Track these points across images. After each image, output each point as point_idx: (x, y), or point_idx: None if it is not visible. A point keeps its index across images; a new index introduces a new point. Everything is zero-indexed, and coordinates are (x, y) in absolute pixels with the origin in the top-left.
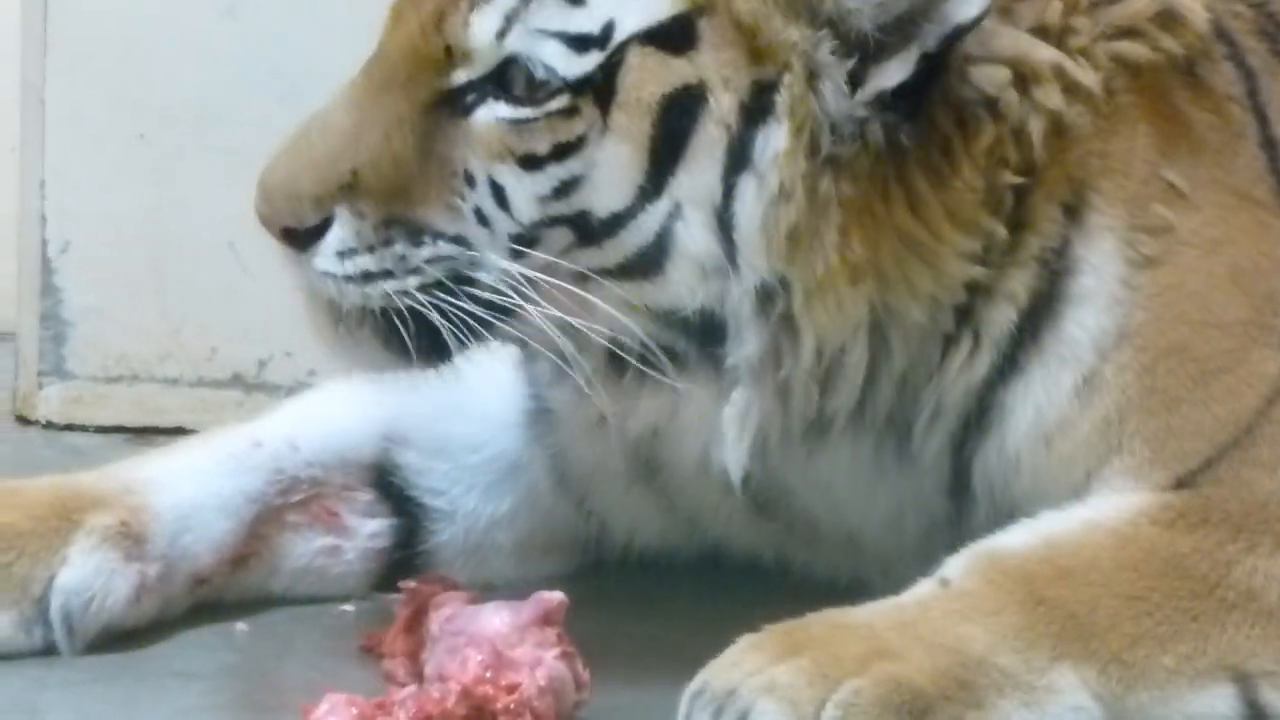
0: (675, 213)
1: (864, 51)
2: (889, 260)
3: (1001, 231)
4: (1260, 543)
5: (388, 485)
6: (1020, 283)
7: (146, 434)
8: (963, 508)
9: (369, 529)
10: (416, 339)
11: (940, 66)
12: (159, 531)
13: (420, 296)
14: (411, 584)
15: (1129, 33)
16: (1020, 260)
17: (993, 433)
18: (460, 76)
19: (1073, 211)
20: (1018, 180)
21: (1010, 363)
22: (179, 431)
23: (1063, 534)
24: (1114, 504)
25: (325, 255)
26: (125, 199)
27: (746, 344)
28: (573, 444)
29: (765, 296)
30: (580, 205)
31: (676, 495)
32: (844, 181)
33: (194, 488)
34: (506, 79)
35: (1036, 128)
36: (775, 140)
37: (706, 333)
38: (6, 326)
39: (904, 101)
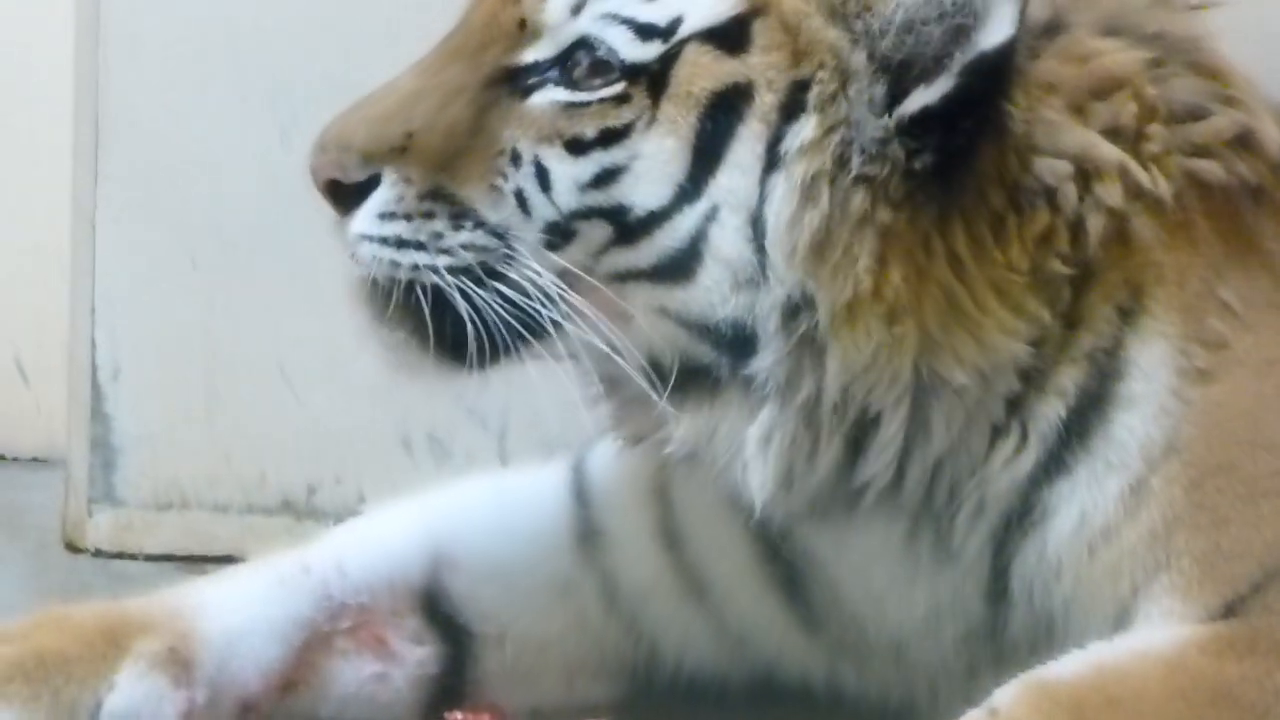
0: (711, 215)
1: (896, 75)
2: (932, 317)
3: (1049, 318)
4: None
5: (436, 611)
6: (1071, 379)
7: (196, 562)
8: (1000, 615)
9: (417, 656)
10: (439, 327)
11: (979, 101)
12: (207, 657)
13: (448, 278)
14: (458, 715)
15: (1205, 151)
16: (1072, 356)
17: (1034, 534)
18: (528, 55)
19: (1128, 315)
20: (1069, 271)
21: (1057, 461)
22: (228, 559)
23: (1112, 662)
24: (1162, 634)
25: (365, 216)
26: (176, 324)
27: (769, 357)
28: (623, 563)
29: (792, 310)
30: (619, 198)
31: (727, 612)
32: (880, 206)
33: (242, 613)
34: (570, 61)
35: (1095, 224)
36: (803, 132)
37: (736, 346)
38: (57, 453)
39: (938, 133)
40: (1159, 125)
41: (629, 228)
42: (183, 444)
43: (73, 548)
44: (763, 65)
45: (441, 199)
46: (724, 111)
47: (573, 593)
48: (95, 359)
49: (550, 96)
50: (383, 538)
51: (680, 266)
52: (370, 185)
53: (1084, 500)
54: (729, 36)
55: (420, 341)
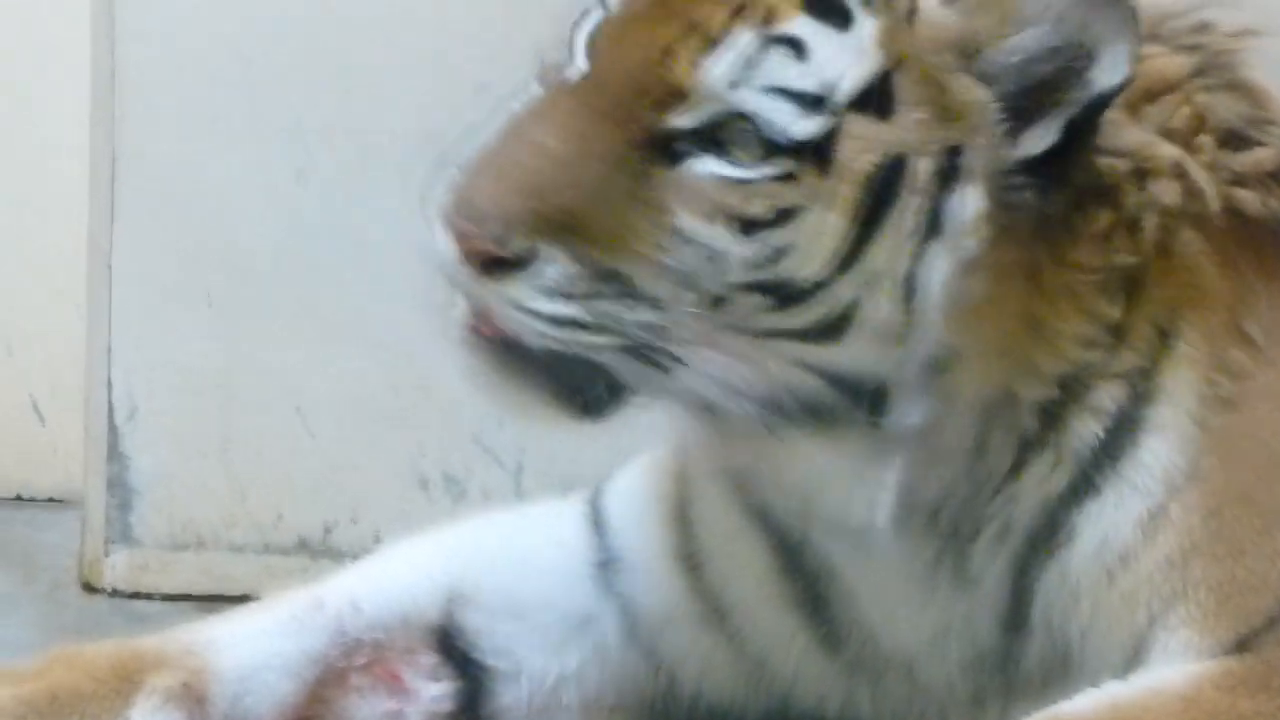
0: (868, 282)
1: (1015, 116)
2: (1027, 338)
3: (1118, 315)
4: None
5: (451, 647)
6: (1111, 397)
7: (213, 601)
8: (1016, 643)
9: (432, 692)
10: (574, 382)
11: (1083, 136)
12: (221, 693)
13: (611, 356)
14: None
15: (1244, 180)
16: (1115, 372)
17: (1057, 557)
18: (675, 120)
19: (1165, 337)
20: (1129, 270)
21: (1087, 482)
22: (245, 599)
23: (1127, 700)
24: (1177, 670)
25: (525, 290)
26: (192, 364)
27: (908, 407)
28: (642, 589)
29: (935, 363)
30: (783, 273)
31: (747, 635)
32: (1011, 249)
33: (256, 649)
34: (724, 133)
35: (1150, 224)
36: (970, 204)
37: (869, 396)
38: (73, 493)
39: (1047, 170)
40: (1208, 136)
41: (787, 298)
42: (199, 484)
43: (89, 588)
44: (913, 127)
45: (613, 279)
46: (883, 183)
47: (591, 625)
48: (112, 399)
49: (707, 168)
50: (397, 574)
51: (831, 329)
52: (527, 258)
53: (1107, 524)
54: (877, 99)
55: (553, 396)
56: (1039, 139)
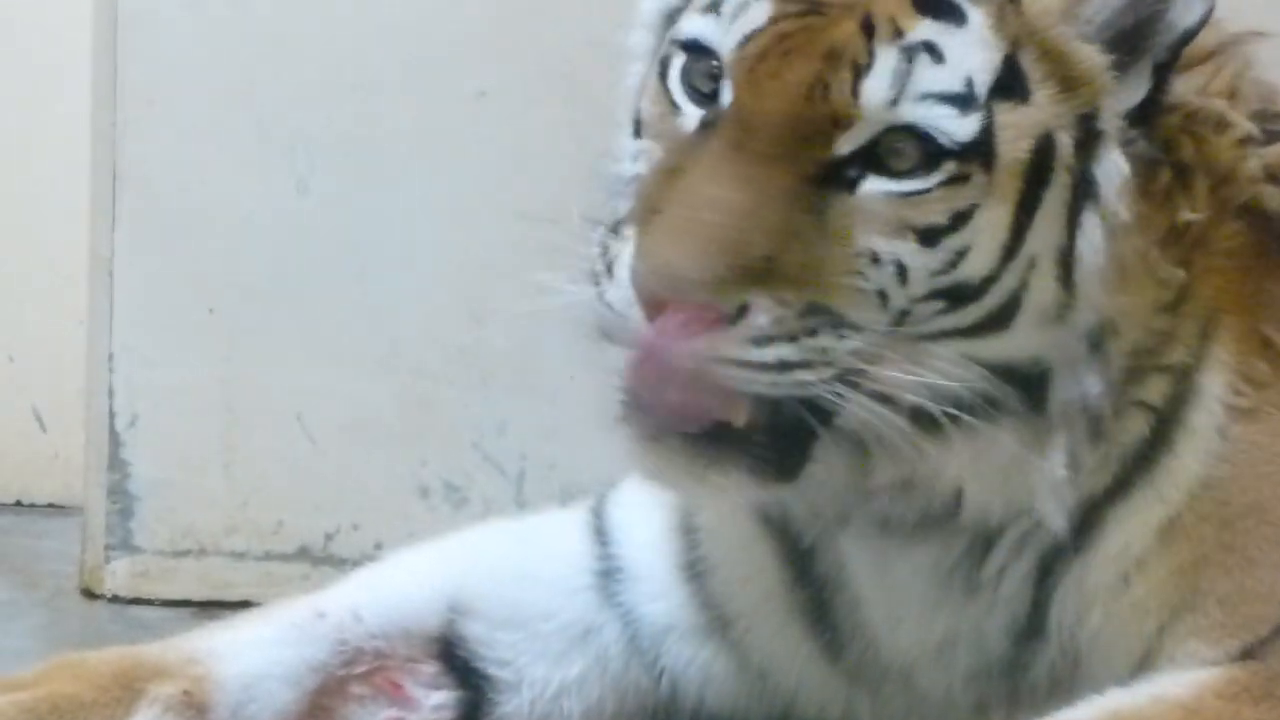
0: (1031, 265)
1: (1116, 70)
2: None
3: (1181, 279)
4: None
5: (453, 656)
6: (1159, 392)
7: (213, 608)
8: (1027, 652)
9: (433, 701)
10: (776, 444)
11: (1166, 82)
12: (222, 701)
13: (826, 389)
14: None
15: (1272, 176)
16: (1163, 364)
17: (1082, 558)
18: (843, 147)
19: (1205, 337)
20: (1191, 218)
21: (1123, 483)
22: (245, 605)
23: (1130, 709)
24: (1180, 679)
25: (737, 342)
26: (193, 372)
27: (1076, 390)
28: (645, 599)
29: (1097, 336)
30: (959, 276)
31: (750, 644)
32: (1142, 205)
33: (257, 658)
34: (883, 148)
35: (1202, 184)
36: (1117, 169)
37: (1029, 380)
38: (74, 500)
39: (1142, 121)
40: (1240, 111)
41: (962, 297)
42: (200, 491)
43: (90, 594)
44: (1048, 104)
45: (819, 313)
46: (1037, 167)
47: (593, 635)
48: (113, 407)
49: (880, 187)
50: (399, 583)
51: (999, 319)
52: (739, 314)
53: (1131, 529)
54: (1012, 83)
55: (750, 467)
56: (1135, 89)
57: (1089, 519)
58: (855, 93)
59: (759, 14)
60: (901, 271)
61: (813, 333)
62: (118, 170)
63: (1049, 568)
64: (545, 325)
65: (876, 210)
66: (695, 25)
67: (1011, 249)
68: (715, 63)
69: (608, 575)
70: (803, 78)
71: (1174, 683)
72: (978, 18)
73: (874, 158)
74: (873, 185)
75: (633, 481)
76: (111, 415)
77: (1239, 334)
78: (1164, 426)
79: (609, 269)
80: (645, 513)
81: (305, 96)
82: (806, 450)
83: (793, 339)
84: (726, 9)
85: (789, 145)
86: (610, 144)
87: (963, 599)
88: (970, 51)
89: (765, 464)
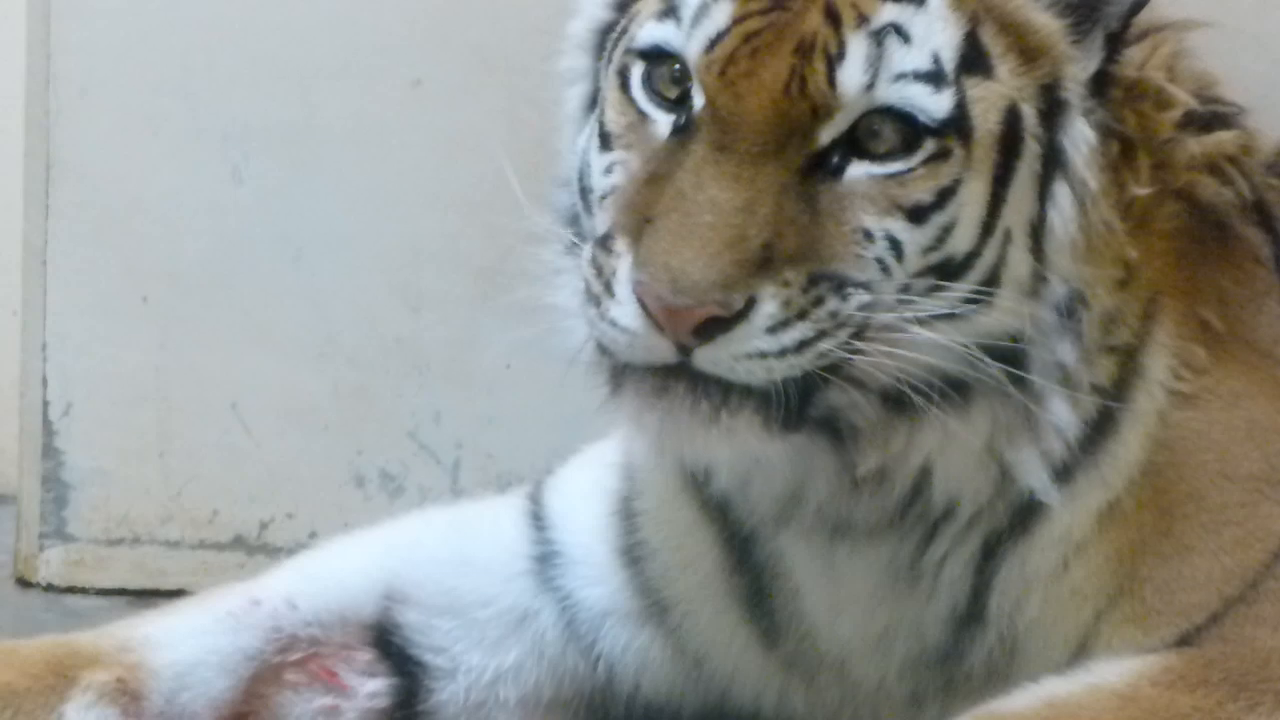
0: (1006, 240)
1: (1072, 39)
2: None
3: (1133, 252)
4: (1261, 701)
5: (388, 644)
6: (1106, 373)
7: (147, 596)
8: (964, 639)
9: (369, 689)
10: (798, 404)
11: (1117, 53)
12: (156, 689)
13: (848, 352)
14: None
15: (1206, 163)
16: (1111, 344)
17: (1024, 542)
18: (824, 136)
19: (1148, 320)
20: (1139, 193)
21: (1070, 465)
22: (180, 594)
23: (1064, 697)
24: (1114, 667)
25: (746, 338)
26: (127, 361)
27: (1056, 357)
28: (583, 583)
29: (1068, 306)
30: (947, 252)
31: (687, 630)
32: (1102, 175)
33: (192, 646)
34: (862, 133)
35: (1145, 160)
36: (1084, 138)
37: (1006, 355)
38: (8, 489)
39: (1096, 90)
40: (1180, 87)
41: (947, 274)
42: (134, 480)
43: (24, 583)
44: (1011, 77)
45: (822, 280)
46: (1008, 139)
47: (529, 621)
48: (46, 395)
49: (865, 170)
50: (334, 571)
51: (980, 295)
52: (747, 308)
53: (1072, 512)
54: (976, 58)
55: (777, 427)
56: (1090, 58)
57: (1033, 503)
58: (832, 83)
59: (721, 15)
60: (895, 247)
61: (819, 301)
62: (51, 159)
63: (992, 551)
64: (480, 314)
65: (865, 193)
66: (653, 32)
67: (989, 224)
68: (678, 67)
69: (545, 560)
70: (778, 74)
71: (1110, 671)
72: None
73: (854, 143)
74: (858, 169)
75: (571, 466)
76: (45, 404)
77: (1177, 317)
78: (1109, 409)
79: (608, 287)
80: (585, 498)
81: (240, 85)
82: (811, 400)
83: (802, 315)
84: (685, 13)
85: (773, 141)
86: (554, 165)
87: (906, 589)
88: (934, 29)
89: (773, 412)
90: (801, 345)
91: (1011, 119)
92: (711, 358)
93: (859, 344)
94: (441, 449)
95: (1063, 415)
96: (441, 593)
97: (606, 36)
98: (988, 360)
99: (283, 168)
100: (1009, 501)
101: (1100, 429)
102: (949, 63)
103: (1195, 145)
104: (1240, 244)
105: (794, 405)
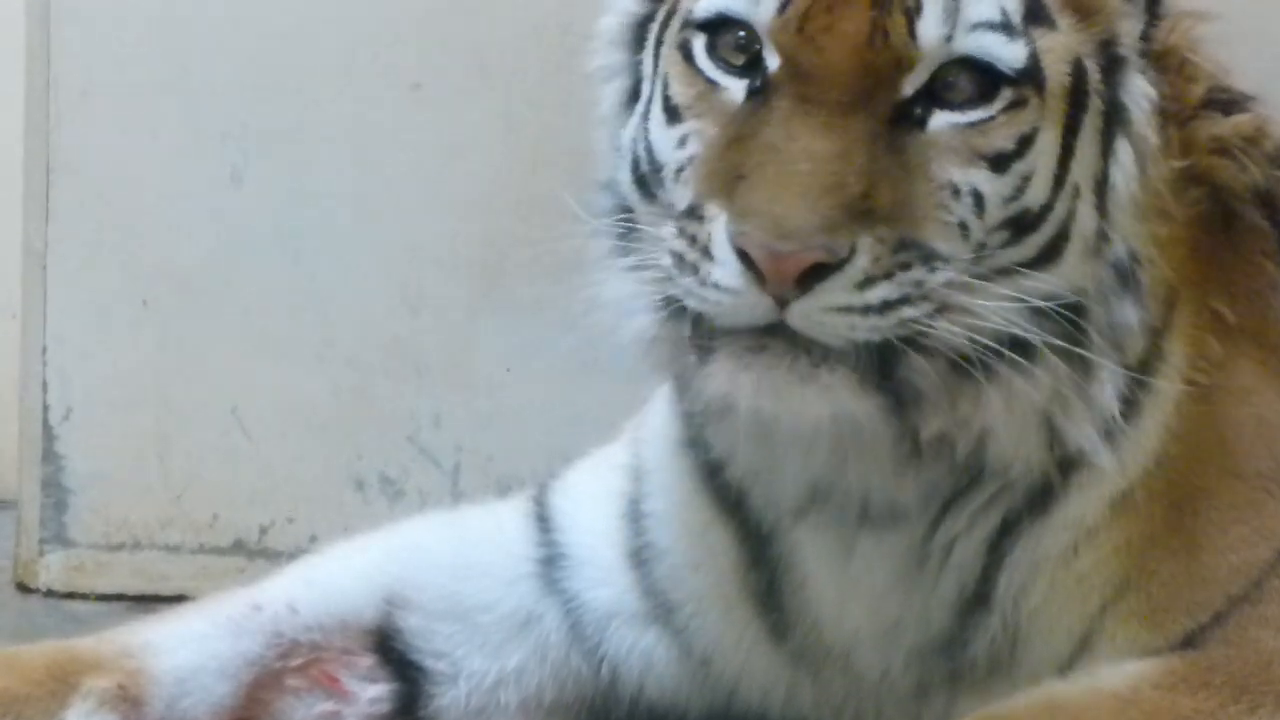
0: (1075, 195)
1: None
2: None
3: (1162, 232)
4: (1262, 704)
5: (389, 649)
6: (1134, 352)
7: (148, 601)
8: (969, 625)
9: (370, 694)
10: (889, 371)
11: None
12: (157, 694)
13: (928, 324)
14: None
15: (1220, 147)
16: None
17: (1041, 521)
18: (907, 87)
19: (1169, 305)
20: (1179, 165)
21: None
22: (181, 599)
23: (1064, 699)
24: (1117, 669)
25: (839, 289)
26: (127, 365)
27: (1114, 317)
28: (588, 585)
29: (1129, 267)
30: (1024, 203)
31: (694, 631)
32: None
33: (192, 651)
34: (939, 83)
35: (1173, 129)
36: (1144, 94)
37: (1068, 315)
38: (8, 493)
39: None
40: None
41: (1023, 228)
42: (134, 484)
43: (24, 588)
44: (1072, 31)
45: (912, 247)
46: (1076, 91)
47: (533, 624)
48: (46, 400)
49: (948, 120)
50: (335, 576)
51: (1053, 251)
52: (848, 255)
53: (1088, 495)
54: (1038, 10)
55: (870, 390)
56: (1135, 20)
57: (1051, 482)
58: (912, 34)
59: None
60: (979, 200)
61: (906, 266)
62: (51, 163)
63: (1009, 529)
64: (480, 317)
65: (949, 143)
66: (715, 2)
67: (1060, 177)
68: (743, 34)
69: (549, 562)
70: (859, 28)
71: (1111, 674)
72: None
73: (934, 94)
74: (941, 119)
75: (577, 468)
76: (45, 408)
77: (1194, 306)
78: (1134, 390)
79: (705, 252)
80: (592, 499)
81: (240, 88)
82: (891, 368)
83: (889, 276)
84: None
85: (860, 91)
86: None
87: (918, 574)
88: None
89: (865, 372)
90: (885, 306)
91: (1078, 72)
92: (804, 311)
93: (940, 319)
94: (441, 452)
95: (1116, 378)
96: (443, 597)
97: (645, 28)
98: (1054, 318)
99: (283, 170)
100: (1031, 481)
101: (1125, 412)
102: (1015, 14)
103: (1216, 125)
104: (1249, 236)
105: (875, 370)
